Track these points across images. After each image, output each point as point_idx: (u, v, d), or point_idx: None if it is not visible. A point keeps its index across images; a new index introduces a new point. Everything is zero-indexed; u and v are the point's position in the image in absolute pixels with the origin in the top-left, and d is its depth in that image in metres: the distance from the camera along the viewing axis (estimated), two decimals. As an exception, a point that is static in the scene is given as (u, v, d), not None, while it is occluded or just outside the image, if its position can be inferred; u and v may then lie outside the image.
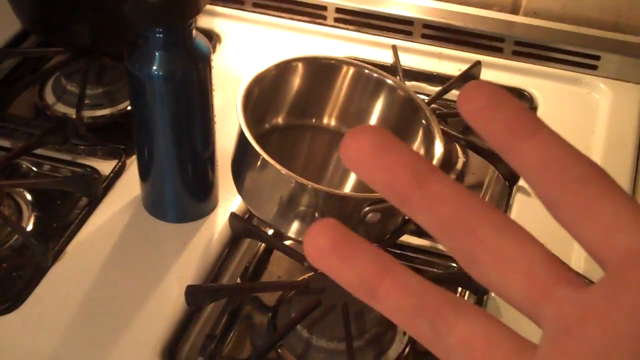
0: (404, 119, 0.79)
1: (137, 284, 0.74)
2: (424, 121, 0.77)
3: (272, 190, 0.72)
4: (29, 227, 0.81)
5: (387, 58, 1.03)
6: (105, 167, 0.86)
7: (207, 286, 0.74)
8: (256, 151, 0.69)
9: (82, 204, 0.82)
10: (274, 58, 0.79)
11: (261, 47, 1.05)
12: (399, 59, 1.00)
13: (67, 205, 0.83)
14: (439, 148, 0.75)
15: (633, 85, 1.01)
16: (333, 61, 0.80)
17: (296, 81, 0.78)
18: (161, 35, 0.69)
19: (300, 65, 0.78)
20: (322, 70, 0.78)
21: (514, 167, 0.27)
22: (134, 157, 0.86)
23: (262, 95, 0.76)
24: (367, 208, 0.70)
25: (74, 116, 0.92)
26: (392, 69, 0.98)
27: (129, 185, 0.83)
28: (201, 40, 0.71)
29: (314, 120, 0.81)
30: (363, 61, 0.86)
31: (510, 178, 0.89)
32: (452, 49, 1.05)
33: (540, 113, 0.97)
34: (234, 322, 0.74)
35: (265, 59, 0.79)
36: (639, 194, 0.87)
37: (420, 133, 0.78)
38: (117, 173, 0.85)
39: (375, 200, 0.70)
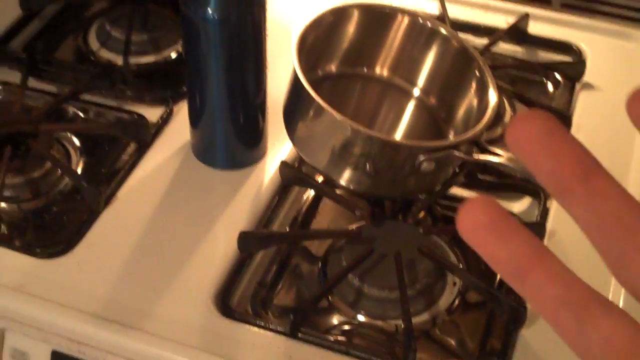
0: (457, 70, 0.78)
1: (188, 230, 0.74)
2: (477, 72, 0.76)
3: (325, 137, 0.72)
4: (79, 172, 0.80)
5: (433, 9, 1.01)
6: (151, 113, 0.86)
7: (260, 232, 0.74)
8: (311, 97, 0.69)
9: (131, 150, 0.82)
10: (324, 4, 0.78)
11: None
12: (446, 10, 0.99)
13: (115, 150, 0.83)
14: (493, 97, 0.75)
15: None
16: (387, 10, 0.79)
17: (351, 28, 0.77)
18: (217, -22, 0.68)
19: (355, 12, 0.77)
20: (376, 19, 0.77)
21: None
22: (181, 104, 0.86)
23: (316, 41, 0.75)
24: (422, 157, 0.69)
25: (119, 62, 0.91)
26: (439, 20, 0.97)
27: (177, 132, 0.83)
28: (257, -15, 0.70)
29: (366, 70, 0.80)
30: (415, 10, 0.85)
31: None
32: (501, 0, 1.03)
33: (588, 67, 0.96)
34: (284, 271, 0.74)
35: (311, 5, 0.78)
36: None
37: (474, 84, 0.77)
38: (165, 120, 0.85)
39: (430, 149, 0.70)
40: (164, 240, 0.73)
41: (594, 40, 0.99)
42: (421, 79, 0.81)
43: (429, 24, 0.78)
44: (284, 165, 0.78)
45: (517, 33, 0.99)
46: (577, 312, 0.26)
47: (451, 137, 0.79)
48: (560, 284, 0.26)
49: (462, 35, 0.99)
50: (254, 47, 0.72)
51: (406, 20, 0.78)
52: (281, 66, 0.73)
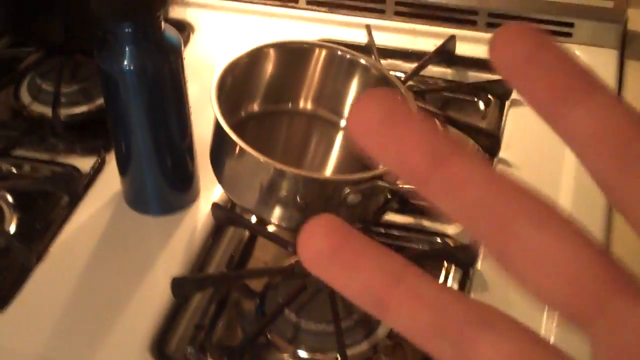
0: None
1: (123, 279, 0.74)
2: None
3: (251, 178, 0.72)
4: (12, 229, 0.80)
5: (361, 38, 1.02)
6: (85, 164, 0.86)
7: (193, 276, 0.74)
8: (233, 140, 0.69)
9: (64, 203, 0.82)
10: (247, 45, 0.79)
11: (235, 35, 1.05)
12: (373, 39, 1.00)
13: (49, 204, 0.82)
14: None
15: (608, 50, 1.01)
16: (305, 45, 0.80)
17: (269, 67, 0.78)
18: (130, 30, 0.68)
19: (271, 51, 0.77)
20: (294, 55, 0.78)
21: (562, 139, 0.23)
22: (113, 153, 0.86)
23: (235, 83, 0.75)
24: (348, 190, 0.70)
25: (50, 115, 0.92)
26: (367, 49, 0.98)
27: (110, 181, 0.83)
28: (171, 32, 0.71)
29: (290, 105, 0.81)
30: (337, 42, 0.86)
31: (491, 150, 0.89)
32: (426, 24, 1.05)
33: (517, 83, 0.97)
34: (222, 310, 0.74)
35: (240, 46, 0.79)
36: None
37: None
38: (97, 169, 0.85)
39: (355, 182, 0.70)
40: (98, 293, 0.73)
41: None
42: (346, 109, 0.82)
43: (348, 55, 0.79)
44: (215, 207, 0.79)
45: (445, 55, 1.00)
46: (452, 338, 0.22)
47: (381, 165, 0.79)
48: (426, 307, 0.23)
49: (392, 62, 1.01)
50: (174, 94, 0.73)
51: (324, 53, 0.79)
52: (209, 109, 0.73)
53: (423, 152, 0.22)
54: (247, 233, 0.81)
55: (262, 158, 0.68)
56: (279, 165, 0.69)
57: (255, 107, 0.80)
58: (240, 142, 0.69)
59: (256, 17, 1.07)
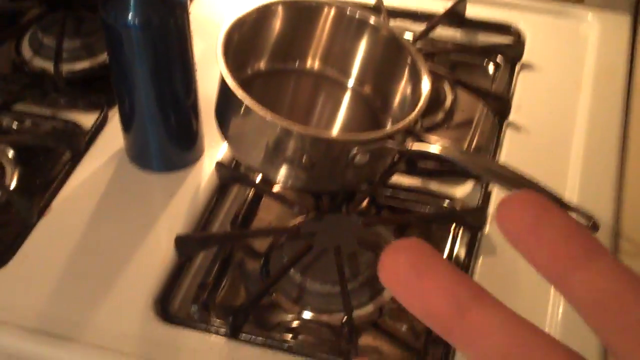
0: (389, 59, 0.78)
1: (126, 236, 0.73)
2: (409, 60, 0.75)
3: (257, 137, 0.71)
4: (13, 184, 0.79)
5: (370, -3, 1.01)
6: (87, 119, 0.85)
7: (197, 235, 0.73)
8: (239, 98, 0.68)
9: (66, 159, 0.80)
10: (254, 2, 0.77)
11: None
12: (382, -2, 0.98)
13: (51, 160, 0.81)
14: (425, 86, 0.74)
15: (620, 15, 0.99)
16: (314, 3, 0.78)
17: (277, 25, 0.76)
18: (135, -19, 0.66)
19: (280, 9, 0.76)
20: (303, 13, 0.77)
21: (565, 299, 0.24)
22: (116, 109, 0.85)
23: (242, 40, 0.74)
24: (356, 150, 0.69)
25: (52, 70, 0.90)
26: (376, 9, 0.96)
27: (112, 137, 0.82)
28: (178, -15, 0.69)
29: (297, 64, 0.80)
30: (346, 1, 0.84)
31: (500, 113, 0.87)
32: (437, -15, 1.03)
33: (527, 47, 0.96)
34: (226, 270, 0.73)
35: (244, 2, 0.77)
36: (631, 124, 0.86)
37: (407, 72, 0.76)
38: (100, 125, 0.83)
39: (363, 142, 0.69)
40: (101, 249, 0.72)
41: (532, 20, 0.99)
42: (354, 70, 0.80)
43: (357, 15, 0.77)
44: (220, 165, 0.77)
45: (455, 17, 0.98)
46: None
47: (388, 125, 0.78)
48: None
49: (401, 22, 0.99)
50: (179, 50, 0.71)
51: (333, 12, 0.77)
52: (213, 66, 0.71)
53: (448, 302, 0.24)
54: (251, 192, 0.80)
55: (268, 116, 0.67)
56: (286, 124, 0.67)
57: (262, 65, 0.78)
58: (246, 100, 0.67)
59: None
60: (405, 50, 0.75)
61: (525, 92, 0.90)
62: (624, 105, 0.88)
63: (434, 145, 0.71)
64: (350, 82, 0.80)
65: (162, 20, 0.68)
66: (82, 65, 0.93)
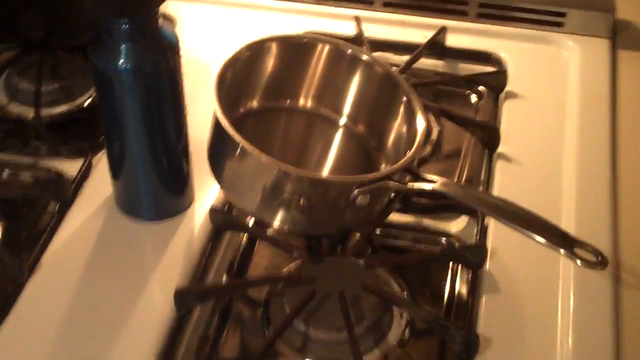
0: (384, 96, 0.77)
1: (121, 290, 0.70)
2: (404, 97, 0.74)
3: (253, 180, 0.69)
4: (-2, 239, 0.76)
5: (349, 30, 1.00)
6: (70, 167, 0.82)
7: (196, 288, 0.71)
8: (234, 140, 0.66)
9: (52, 210, 0.78)
10: (241, 40, 0.75)
11: (219, 28, 1.01)
12: (362, 30, 0.97)
13: (35, 211, 0.78)
14: (421, 123, 0.73)
15: (600, 39, 1.00)
16: (305, 40, 0.76)
17: (269, 62, 0.75)
18: (126, 26, 0.64)
19: (273, 46, 0.74)
20: (295, 50, 0.76)
21: None
22: (101, 153, 0.83)
23: (235, 78, 0.72)
24: (357, 191, 0.67)
25: (31, 115, 0.88)
26: (357, 41, 0.96)
27: (99, 185, 0.79)
28: (168, 28, 0.67)
29: (289, 102, 0.78)
30: (325, 34, 0.83)
31: (490, 144, 0.86)
32: (416, 15, 1.03)
33: (510, 75, 0.95)
34: (226, 321, 0.71)
35: (225, 40, 0.76)
36: (619, 147, 0.86)
37: (401, 109, 0.75)
38: (85, 173, 0.81)
39: (363, 182, 0.68)
40: (96, 306, 0.69)
41: (513, 48, 0.99)
42: (348, 108, 0.79)
43: (350, 51, 0.76)
44: (214, 211, 0.75)
45: (436, 47, 0.98)
46: None
47: (383, 165, 0.77)
48: None
49: (382, 54, 0.99)
50: (171, 92, 0.69)
51: (326, 49, 0.76)
52: (201, 106, 0.70)
53: None
54: (244, 238, 0.78)
55: (265, 158, 0.66)
56: (284, 166, 0.66)
57: (255, 103, 0.77)
58: (242, 142, 0.66)
59: (240, 10, 1.03)
60: (400, 88, 0.74)
61: (512, 122, 0.90)
62: (611, 129, 0.88)
63: (433, 183, 0.70)
64: (344, 121, 0.79)
65: (154, 63, 0.67)
66: (61, 109, 0.91)
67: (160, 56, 0.67)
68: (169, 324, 0.68)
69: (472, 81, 0.95)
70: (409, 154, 0.70)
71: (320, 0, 1.03)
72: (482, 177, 0.84)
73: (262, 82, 0.76)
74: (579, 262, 0.64)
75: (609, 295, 0.71)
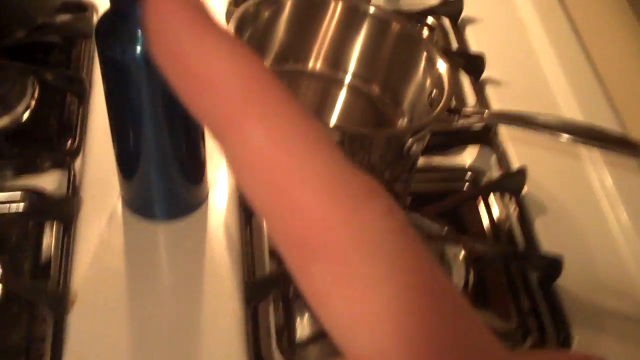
0: (401, 52, 0.72)
1: (177, 296, 0.63)
2: (424, 52, 0.71)
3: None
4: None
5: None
6: (46, 181, 0.73)
7: (263, 277, 0.65)
8: None
9: (52, 232, 0.68)
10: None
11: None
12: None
13: (29, 239, 0.69)
14: (442, 66, 0.70)
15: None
16: None
17: (282, 22, 0.69)
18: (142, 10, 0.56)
19: (288, 2, 0.68)
20: (307, 7, 0.69)
21: None
22: (79, 159, 0.74)
23: (250, 39, 0.66)
24: (411, 139, 0.64)
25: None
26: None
27: (97, 193, 0.71)
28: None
29: (299, 64, 0.72)
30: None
31: (475, 71, 0.85)
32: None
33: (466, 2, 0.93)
34: (292, 307, 0.66)
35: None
36: (585, 40, 0.88)
37: (422, 64, 0.71)
38: (74, 183, 0.71)
39: (418, 128, 0.64)
40: (158, 319, 0.61)
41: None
42: (361, 67, 0.74)
43: (365, 8, 0.71)
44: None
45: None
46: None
47: (400, 121, 0.73)
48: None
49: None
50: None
51: (339, 6, 0.70)
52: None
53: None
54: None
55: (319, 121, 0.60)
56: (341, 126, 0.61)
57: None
58: None
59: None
60: (421, 43, 0.70)
61: (482, 46, 0.88)
62: (573, 27, 0.89)
63: (481, 115, 0.68)
64: (356, 81, 0.74)
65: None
66: (2, 122, 0.79)
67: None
68: (243, 318, 0.62)
69: (427, 14, 0.92)
70: (446, 93, 0.67)
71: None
72: (475, 103, 0.82)
73: (274, 44, 0.70)
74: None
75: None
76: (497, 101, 0.82)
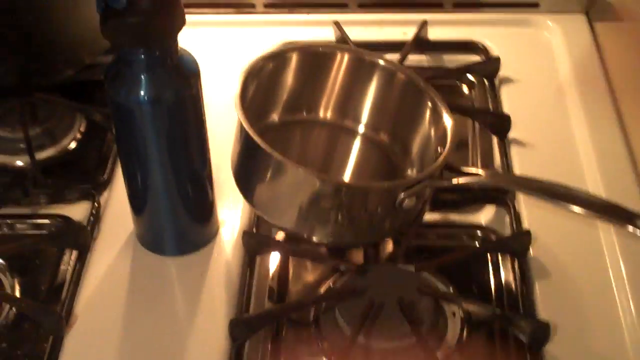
0: (407, 102, 0.75)
1: (168, 329, 0.66)
2: (429, 102, 0.73)
3: (291, 195, 0.66)
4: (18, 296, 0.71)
5: (329, 35, 0.98)
6: (74, 211, 0.77)
7: (249, 316, 0.67)
8: (270, 155, 0.63)
9: (68, 259, 0.73)
10: (227, 59, 0.72)
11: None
12: (345, 33, 0.95)
13: (50, 263, 0.73)
14: (448, 120, 0.72)
15: (576, 15, 1.01)
16: (324, 49, 0.74)
17: (289, 74, 0.72)
18: (145, 56, 0.61)
19: (293, 56, 0.72)
20: (314, 60, 0.73)
21: None
22: (106, 193, 0.78)
23: (256, 92, 0.69)
24: (403, 194, 0.65)
25: (16, 164, 0.82)
26: (342, 42, 0.94)
27: (114, 225, 0.75)
28: (187, 56, 0.64)
29: (308, 115, 0.76)
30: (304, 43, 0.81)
31: (500, 131, 0.85)
32: (392, 12, 1.01)
33: (502, 62, 0.94)
34: (280, 346, 0.68)
35: (208, 60, 0.72)
36: (626, 115, 0.86)
37: (427, 113, 0.73)
38: (96, 214, 0.76)
39: (410, 184, 0.66)
40: (147, 349, 0.65)
41: (495, 34, 0.99)
42: (369, 116, 0.77)
43: (371, 59, 0.74)
44: (246, 235, 0.72)
45: (421, 42, 0.96)
46: None
47: (409, 171, 0.75)
48: None
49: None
50: (194, 120, 0.66)
51: (346, 57, 0.73)
52: (213, 124, 0.67)
53: None
54: (278, 256, 0.75)
55: (306, 171, 0.63)
56: (327, 177, 0.63)
57: (275, 117, 0.74)
58: (279, 157, 0.63)
59: (212, 29, 1.00)
60: (425, 93, 0.72)
61: (514, 107, 0.89)
62: (612, 97, 0.89)
63: (479, 176, 0.69)
64: (365, 130, 0.77)
65: (176, 93, 0.63)
66: (46, 154, 0.85)
67: (182, 85, 0.63)
68: (226, 356, 0.64)
69: (465, 71, 0.94)
70: (446, 150, 0.68)
71: (294, 9, 1.01)
72: (499, 163, 0.83)
73: (282, 95, 0.73)
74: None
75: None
76: (520, 163, 0.82)
